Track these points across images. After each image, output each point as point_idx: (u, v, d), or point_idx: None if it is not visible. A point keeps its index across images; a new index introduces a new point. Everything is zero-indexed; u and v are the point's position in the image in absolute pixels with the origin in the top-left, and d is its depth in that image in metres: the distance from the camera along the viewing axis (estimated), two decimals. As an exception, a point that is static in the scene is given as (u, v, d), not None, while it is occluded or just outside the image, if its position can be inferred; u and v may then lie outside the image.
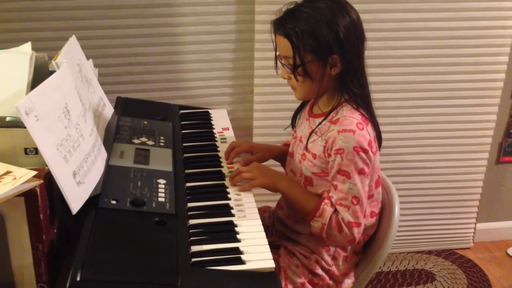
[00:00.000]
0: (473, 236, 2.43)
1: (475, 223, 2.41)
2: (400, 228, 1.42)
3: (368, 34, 1.36)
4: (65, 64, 1.19)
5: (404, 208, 2.26)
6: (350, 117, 1.30)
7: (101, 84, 1.58)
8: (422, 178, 2.28)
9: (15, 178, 0.98)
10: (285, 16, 1.32)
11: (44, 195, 1.02)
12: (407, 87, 2.13)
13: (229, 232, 1.14)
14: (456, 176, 2.29)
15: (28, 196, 0.98)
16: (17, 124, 1.05)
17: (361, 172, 1.28)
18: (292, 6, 1.33)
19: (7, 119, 1.07)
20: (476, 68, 2.13)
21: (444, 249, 2.41)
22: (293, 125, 1.52)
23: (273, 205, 1.62)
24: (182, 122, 1.67)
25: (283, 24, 1.30)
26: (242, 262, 1.05)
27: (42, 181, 1.00)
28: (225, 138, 1.59)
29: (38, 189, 0.99)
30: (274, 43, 1.35)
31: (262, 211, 1.62)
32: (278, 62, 1.37)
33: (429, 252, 2.39)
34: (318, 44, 1.27)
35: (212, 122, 1.70)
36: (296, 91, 1.37)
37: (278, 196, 1.54)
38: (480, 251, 2.43)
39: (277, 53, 1.35)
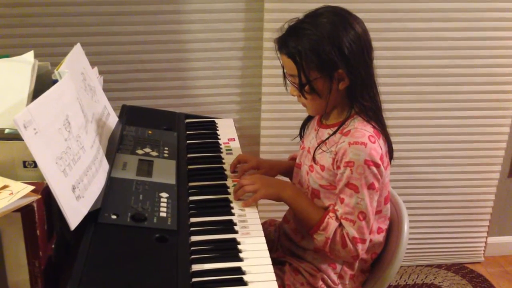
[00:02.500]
0: (484, 250, 2.38)
1: (486, 237, 2.36)
2: (410, 241, 1.38)
3: (379, 44, 1.33)
4: (67, 74, 1.17)
5: (414, 220, 2.22)
6: (362, 129, 1.26)
7: (107, 91, 1.56)
8: (433, 190, 2.23)
9: (11, 193, 0.95)
10: (287, 34, 1.29)
11: (42, 211, 0.99)
12: (418, 97, 2.09)
13: (231, 250, 1.11)
14: (467, 189, 2.24)
15: (25, 211, 0.96)
16: (16, 136, 1.02)
17: (370, 187, 1.25)
18: (293, 23, 1.30)
19: (6, 131, 1.05)
20: (488, 79, 2.09)
21: (454, 263, 2.36)
22: (301, 135, 1.49)
23: (279, 217, 1.59)
24: (188, 132, 1.64)
25: (285, 43, 1.28)
26: (244, 283, 1.02)
27: (39, 196, 0.97)
28: (230, 150, 1.55)
29: (35, 205, 0.96)
30: (281, 62, 1.32)
31: (268, 225, 1.59)
32: (287, 80, 1.34)
33: (439, 266, 2.34)
34: (321, 61, 1.24)
35: (218, 132, 1.67)
36: (307, 108, 1.35)
37: (284, 208, 1.50)
38: (491, 265, 2.37)
39: (285, 71, 1.32)
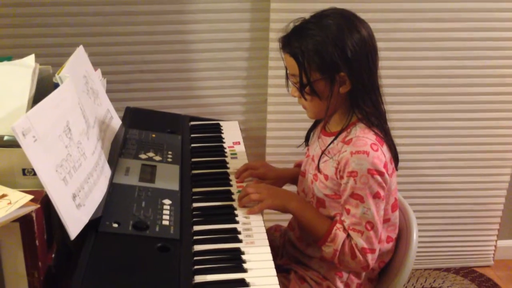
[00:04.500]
0: (493, 254, 2.34)
1: (496, 240, 2.32)
2: (418, 244, 1.34)
3: (386, 44, 1.30)
4: (68, 79, 1.14)
5: (423, 223, 2.19)
6: (364, 137, 1.23)
7: (111, 91, 1.54)
8: (442, 193, 2.19)
9: (10, 203, 0.93)
10: (291, 33, 1.26)
11: (41, 220, 0.97)
12: (426, 99, 2.05)
13: (235, 260, 1.08)
14: (477, 191, 2.20)
15: (23, 221, 0.94)
16: (15, 143, 0.99)
17: (376, 196, 1.21)
18: (298, 23, 1.27)
19: (5, 138, 1.03)
20: (498, 80, 2.04)
21: (463, 267, 2.32)
22: (306, 142, 1.46)
23: (285, 223, 1.56)
24: (192, 135, 1.62)
25: (289, 42, 1.25)
26: (248, 295, 0.99)
27: (38, 205, 0.95)
28: (235, 154, 1.53)
29: (34, 214, 0.94)
30: (284, 61, 1.29)
31: (273, 230, 1.56)
32: (289, 80, 1.31)
33: (448, 270, 2.30)
34: (324, 62, 1.21)
35: (223, 135, 1.64)
36: (306, 110, 1.32)
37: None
38: (501, 269, 2.33)
39: (288, 71, 1.29)
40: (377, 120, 1.26)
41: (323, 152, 1.30)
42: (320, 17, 1.25)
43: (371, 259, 1.24)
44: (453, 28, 1.96)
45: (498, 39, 1.98)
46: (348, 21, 1.23)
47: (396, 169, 1.31)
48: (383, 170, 1.21)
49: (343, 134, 1.27)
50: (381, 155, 1.22)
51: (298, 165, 1.51)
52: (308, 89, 1.25)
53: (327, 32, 1.21)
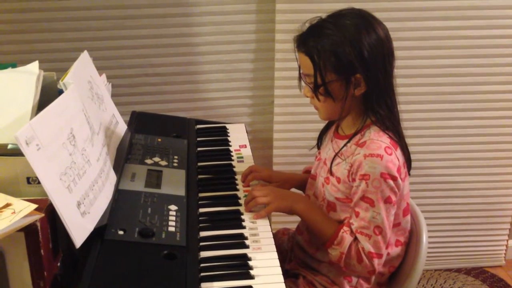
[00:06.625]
0: (504, 253, 2.31)
1: (507, 240, 2.29)
2: (428, 244, 1.32)
3: (395, 43, 1.27)
4: (72, 85, 1.14)
5: (433, 224, 2.17)
6: (378, 140, 1.21)
7: (116, 95, 1.53)
8: (452, 192, 2.17)
9: (14, 212, 0.92)
10: (307, 32, 1.24)
11: (46, 229, 0.96)
12: (436, 98, 2.03)
13: (242, 267, 1.07)
14: (487, 191, 2.17)
15: (28, 231, 0.93)
16: (19, 151, 0.98)
17: (387, 201, 1.20)
18: (315, 22, 1.25)
19: (9, 146, 1.02)
20: (509, 78, 2.02)
21: (474, 267, 2.29)
22: (318, 146, 1.44)
23: (292, 225, 1.54)
24: (198, 139, 1.61)
25: (305, 41, 1.23)
26: (255, 303, 0.98)
27: (43, 214, 0.94)
28: (242, 157, 1.51)
29: (38, 224, 0.93)
30: (297, 60, 1.27)
31: (281, 234, 1.55)
32: (302, 80, 1.29)
33: (458, 270, 2.28)
34: (340, 63, 1.19)
35: (229, 138, 1.62)
36: (319, 111, 1.30)
37: (297, 217, 1.46)
38: (512, 269, 2.31)
39: (301, 71, 1.28)
40: (391, 123, 1.25)
41: (336, 155, 1.28)
42: (337, 16, 1.23)
43: (378, 264, 1.22)
44: (462, 26, 1.93)
45: (508, 36, 1.96)
46: (366, 21, 1.21)
47: (409, 173, 1.29)
48: (396, 174, 1.19)
49: (357, 137, 1.25)
50: (395, 159, 1.20)
51: (307, 171, 1.49)
52: (322, 90, 1.23)
53: (344, 32, 1.19)
